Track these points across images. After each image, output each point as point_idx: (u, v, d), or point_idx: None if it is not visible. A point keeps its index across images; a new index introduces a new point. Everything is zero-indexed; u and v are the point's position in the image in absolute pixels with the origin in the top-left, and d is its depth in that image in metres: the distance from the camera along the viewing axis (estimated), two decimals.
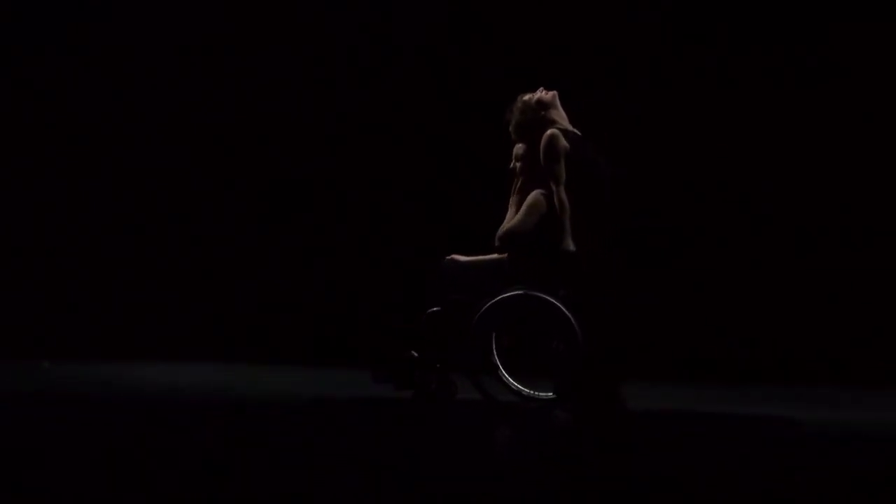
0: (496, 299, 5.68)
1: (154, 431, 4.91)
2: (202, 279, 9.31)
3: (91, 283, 9.37)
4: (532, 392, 5.77)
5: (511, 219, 5.78)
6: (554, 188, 5.28)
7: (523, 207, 5.71)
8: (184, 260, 9.35)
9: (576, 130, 5.56)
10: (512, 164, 5.86)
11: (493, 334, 5.85)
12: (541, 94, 5.53)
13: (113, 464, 3.87)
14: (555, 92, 5.55)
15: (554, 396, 5.61)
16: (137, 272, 9.37)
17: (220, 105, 9.45)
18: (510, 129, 5.63)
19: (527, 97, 5.55)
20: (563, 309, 5.52)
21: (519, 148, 5.79)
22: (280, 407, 6.01)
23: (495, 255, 5.89)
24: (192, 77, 9.47)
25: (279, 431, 4.90)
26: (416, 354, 5.85)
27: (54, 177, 9.42)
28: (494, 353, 5.85)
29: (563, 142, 5.34)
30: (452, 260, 5.95)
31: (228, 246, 9.40)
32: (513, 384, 5.81)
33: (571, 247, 5.22)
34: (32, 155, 9.47)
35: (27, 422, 5.11)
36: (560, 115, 5.53)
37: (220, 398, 6.42)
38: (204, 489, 3.29)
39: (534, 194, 5.66)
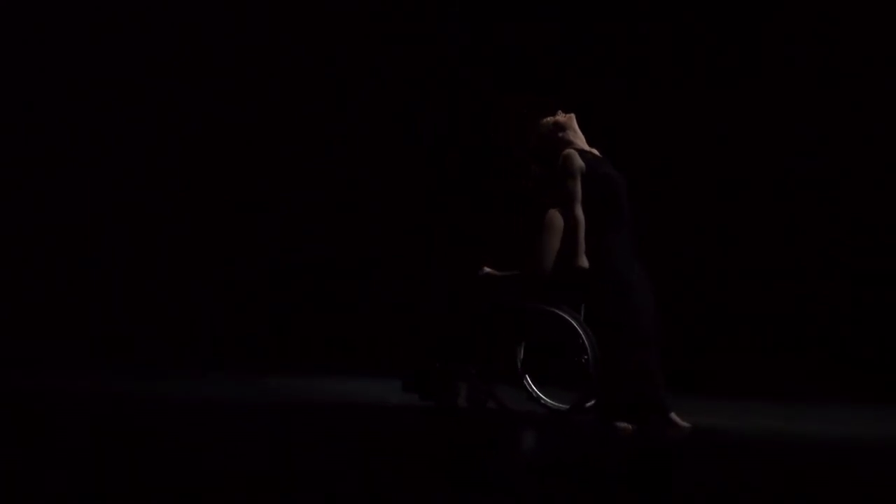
0: (515, 312, 5.86)
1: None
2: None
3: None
4: (552, 402, 5.95)
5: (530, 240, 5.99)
6: (569, 206, 5.43)
7: (542, 228, 5.84)
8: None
9: (594, 150, 5.73)
10: (530, 186, 6.05)
11: (522, 346, 6.04)
12: (558, 116, 5.72)
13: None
14: (572, 114, 5.74)
15: (569, 408, 5.79)
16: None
17: (220, 105, 9.55)
18: (530, 151, 5.82)
19: (545, 120, 5.74)
20: (576, 324, 5.65)
21: (536, 170, 5.98)
22: (305, 412, 6.13)
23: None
24: (193, 77, 9.58)
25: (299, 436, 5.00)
26: (440, 365, 6.06)
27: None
28: (519, 363, 6.04)
29: (579, 161, 5.50)
30: (483, 273, 6.11)
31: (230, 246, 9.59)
32: (535, 393, 5.98)
33: (585, 263, 5.36)
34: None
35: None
36: (577, 136, 5.71)
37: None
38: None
39: (549, 213, 5.83)
